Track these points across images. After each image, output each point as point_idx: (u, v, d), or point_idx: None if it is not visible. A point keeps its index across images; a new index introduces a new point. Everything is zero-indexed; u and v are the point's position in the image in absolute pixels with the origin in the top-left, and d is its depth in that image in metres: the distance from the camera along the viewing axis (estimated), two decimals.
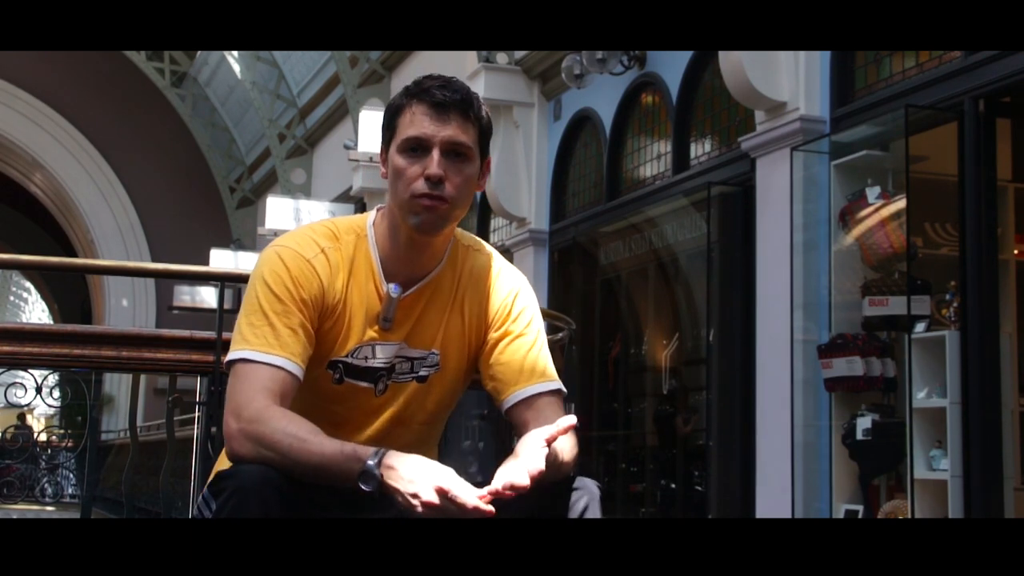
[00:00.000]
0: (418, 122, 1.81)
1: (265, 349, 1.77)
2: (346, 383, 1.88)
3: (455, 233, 1.95)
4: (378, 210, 1.94)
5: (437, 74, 1.87)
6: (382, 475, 1.63)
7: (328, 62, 13.93)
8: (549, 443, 1.69)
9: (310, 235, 1.89)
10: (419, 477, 1.62)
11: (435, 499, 1.60)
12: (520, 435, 1.88)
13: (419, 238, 1.86)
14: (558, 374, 1.96)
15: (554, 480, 1.75)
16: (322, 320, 1.85)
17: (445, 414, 2.04)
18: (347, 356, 1.87)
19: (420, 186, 1.80)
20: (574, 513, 1.76)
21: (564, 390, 1.95)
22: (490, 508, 1.61)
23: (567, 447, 1.82)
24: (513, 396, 1.90)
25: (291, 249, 1.86)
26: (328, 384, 1.87)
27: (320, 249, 1.86)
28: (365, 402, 1.91)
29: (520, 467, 1.66)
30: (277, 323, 1.79)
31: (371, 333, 1.88)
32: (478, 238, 2.01)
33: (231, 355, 1.80)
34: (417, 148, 1.81)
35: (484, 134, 1.87)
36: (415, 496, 1.61)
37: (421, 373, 1.92)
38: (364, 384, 1.89)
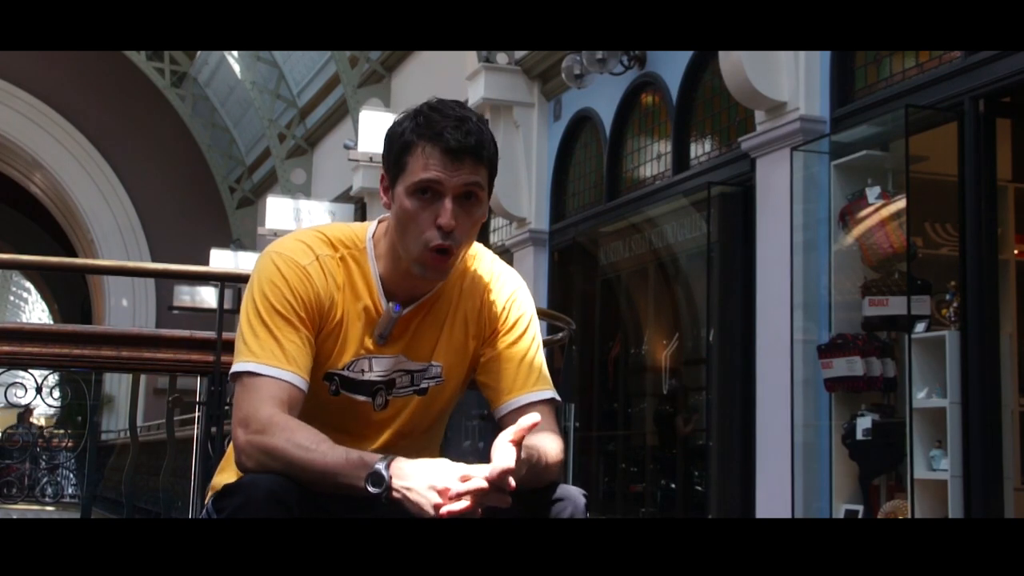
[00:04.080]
0: (431, 167, 1.76)
1: (272, 363, 1.77)
2: (343, 395, 1.87)
3: None
4: (379, 222, 1.91)
5: (447, 106, 1.79)
6: (391, 477, 1.63)
7: (328, 62, 13.93)
8: (516, 443, 1.64)
9: (306, 242, 1.87)
10: (420, 480, 1.62)
11: (437, 500, 1.61)
12: None
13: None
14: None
15: (538, 485, 1.74)
16: (319, 329, 1.85)
17: (444, 420, 2.05)
18: (343, 369, 1.87)
19: (432, 236, 1.77)
20: None
21: (558, 399, 1.94)
22: (483, 485, 1.60)
23: (551, 450, 1.80)
24: (507, 405, 1.89)
25: (287, 256, 1.84)
26: (326, 395, 1.86)
27: (315, 256, 1.85)
28: (365, 416, 1.90)
29: (492, 466, 1.63)
30: (281, 336, 1.79)
31: (368, 346, 1.87)
32: (477, 243, 1.99)
33: (238, 366, 1.79)
34: (427, 192, 1.77)
35: (493, 171, 1.83)
36: (422, 503, 1.61)
37: (423, 386, 1.92)
38: (361, 398, 1.88)
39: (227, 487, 1.70)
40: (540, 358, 1.94)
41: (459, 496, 1.60)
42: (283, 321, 1.80)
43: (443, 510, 1.60)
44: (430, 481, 1.62)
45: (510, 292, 1.95)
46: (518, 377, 1.90)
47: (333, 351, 1.85)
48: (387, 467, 1.64)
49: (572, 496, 1.77)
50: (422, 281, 1.87)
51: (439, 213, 1.76)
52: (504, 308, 1.93)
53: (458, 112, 1.79)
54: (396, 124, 1.82)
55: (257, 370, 1.77)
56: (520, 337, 1.93)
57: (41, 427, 15.99)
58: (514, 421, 1.82)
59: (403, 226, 1.80)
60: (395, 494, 1.63)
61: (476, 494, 1.60)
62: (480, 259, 1.96)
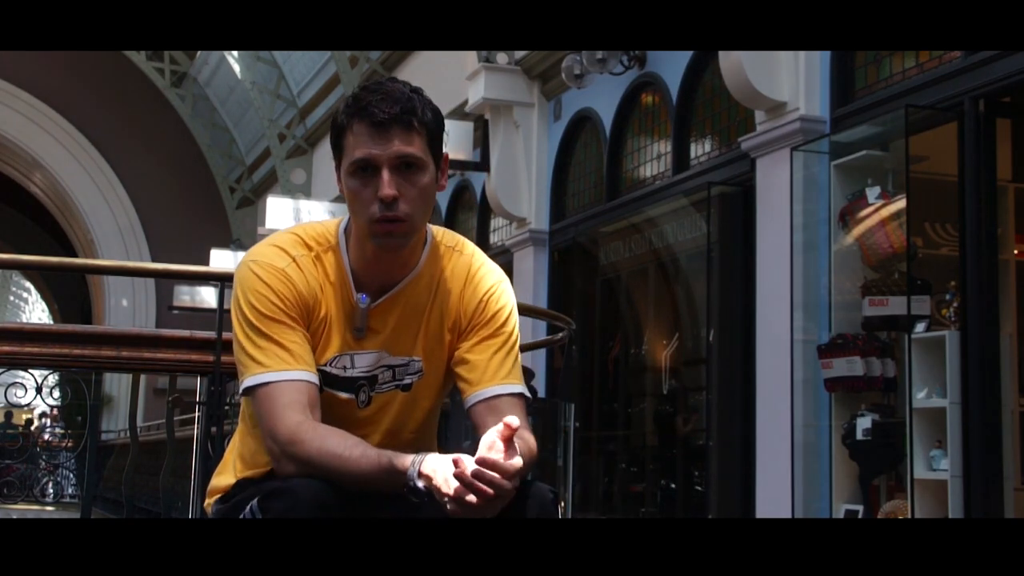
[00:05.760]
0: (362, 143, 1.78)
1: (281, 367, 1.79)
2: (326, 392, 1.87)
3: (436, 234, 1.94)
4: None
5: (378, 83, 1.82)
6: (427, 488, 1.66)
7: (328, 62, 13.93)
8: (506, 442, 1.66)
9: (280, 245, 1.87)
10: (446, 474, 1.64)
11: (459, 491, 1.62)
12: (478, 436, 1.87)
13: (385, 253, 1.86)
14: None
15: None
16: (307, 327, 1.85)
17: (434, 419, 2.03)
18: (325, 365, 1.87)
19: (376, 210, 1.79)
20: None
21: (528, 395, 1.94)
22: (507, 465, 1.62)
23: (524, 448, 1.77)
24: (475, 395, 1.89)
25: (264, 263, 1.85)
26: None
27: (291, 259, 1.85)
28: (349, 414, 1.89)
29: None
30: (281, 339, 1.81)
31: (348, 342, 1.88)
32: (460, 238, 1.99)
33: (249, 381, 1.80)
34: (366, 168, 1.79)
35: (433, 136, 1.82)
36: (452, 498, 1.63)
37: (405, 381, 1.91)
38: (344, 395, 1.88)
39: (272, 489, 1.71)
40: (516, 354, 1.94)
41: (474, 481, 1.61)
42: (278, 325, 1.81)
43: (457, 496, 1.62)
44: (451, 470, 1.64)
45: (489, 286, 1.94)
46: (488, 369, 1.89)
47: (316, 348, 1.86)
48: (418, 474, 1.67)
49: (539, 494, 1.76)
50: (391, 268, 1.87)
51: (378, 187, 1.78)
52: (482, 301, 1.92)
53: (387, 86, 1.81)
54: (335, 111, 1.85)
55: (270, 379, 1.79)
56: (497, 331, 1.92)
57: (18, 425, 15.96)
58: (482, 413, 1.86)
59: (352, 206, 1.83)
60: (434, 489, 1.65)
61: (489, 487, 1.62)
62: (462, 253, 1.96)
